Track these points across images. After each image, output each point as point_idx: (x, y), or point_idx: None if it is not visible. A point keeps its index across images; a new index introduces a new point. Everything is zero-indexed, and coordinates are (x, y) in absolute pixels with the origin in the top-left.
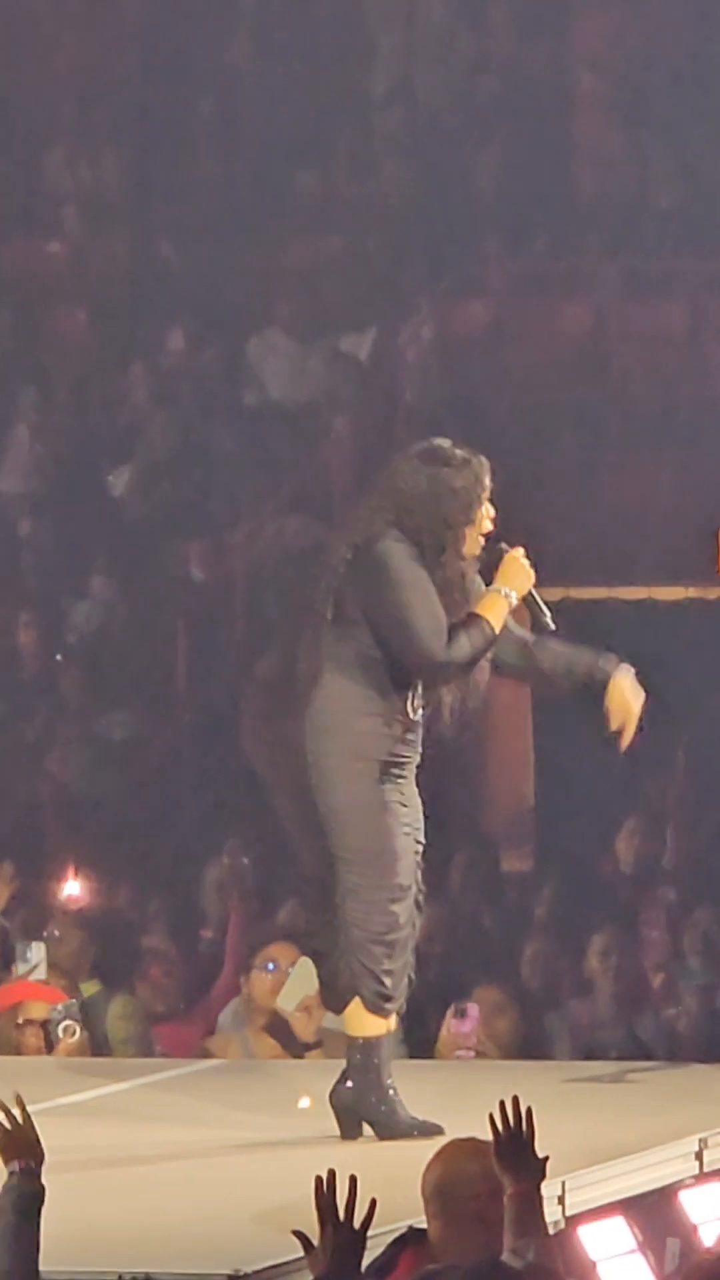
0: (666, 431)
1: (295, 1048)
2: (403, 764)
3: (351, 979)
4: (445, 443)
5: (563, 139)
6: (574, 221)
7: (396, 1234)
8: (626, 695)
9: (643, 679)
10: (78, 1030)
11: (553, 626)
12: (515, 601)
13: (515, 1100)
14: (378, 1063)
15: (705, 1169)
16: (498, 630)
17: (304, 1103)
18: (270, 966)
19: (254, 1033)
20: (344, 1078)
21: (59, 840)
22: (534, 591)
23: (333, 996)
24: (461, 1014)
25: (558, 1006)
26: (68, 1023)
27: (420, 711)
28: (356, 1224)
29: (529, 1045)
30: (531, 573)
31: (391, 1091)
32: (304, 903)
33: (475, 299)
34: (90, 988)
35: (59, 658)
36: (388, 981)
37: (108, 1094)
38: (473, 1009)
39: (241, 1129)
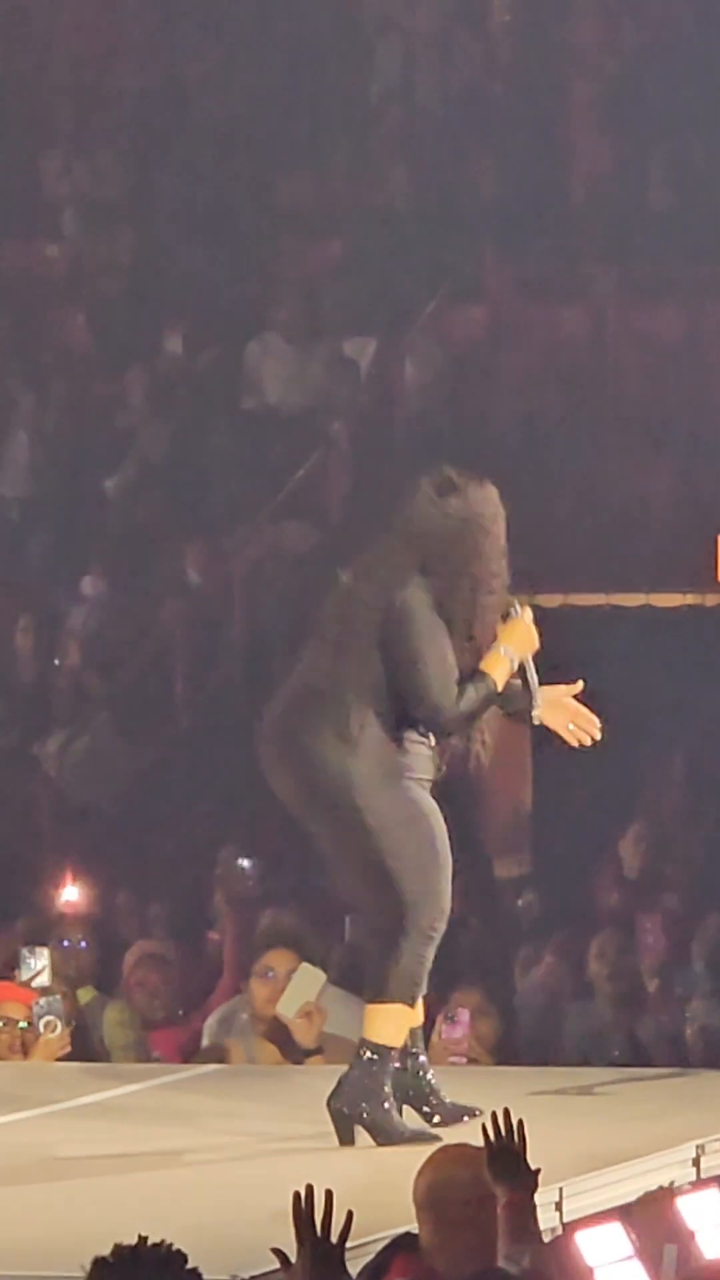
0: (665, 437)
1: (295, 1054)
2: (430, 781)
3: (399, 981)
4: (452, 471)
5: (560, 145)
6: (572, 227)
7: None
8: (559, 696)
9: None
10: (59, 1026)
11: (538, 703)
12: (515, 665)
13: (506, 1112)
14: (384, 1070)
15: (702, 1175)
16: (499, 689)
17: None
18: (269, 974)
19: (254, 1039)
20: (343, 1082)
21: (56, 845)
22: (532, 661)
23: (375, 989)
24: (452, 1019)
25: (553, 1012)
26: (49, 1018)
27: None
28: (334, 1238)
29: (523, 1050)
30: (535, 641)
31: (389, 1098)
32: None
33: (473, 304)
34: (86, 994)
35: (56, 661)
36: (421, 975)
37: (105, 1099)
38: (463, 1014)
39: (239, 1134)
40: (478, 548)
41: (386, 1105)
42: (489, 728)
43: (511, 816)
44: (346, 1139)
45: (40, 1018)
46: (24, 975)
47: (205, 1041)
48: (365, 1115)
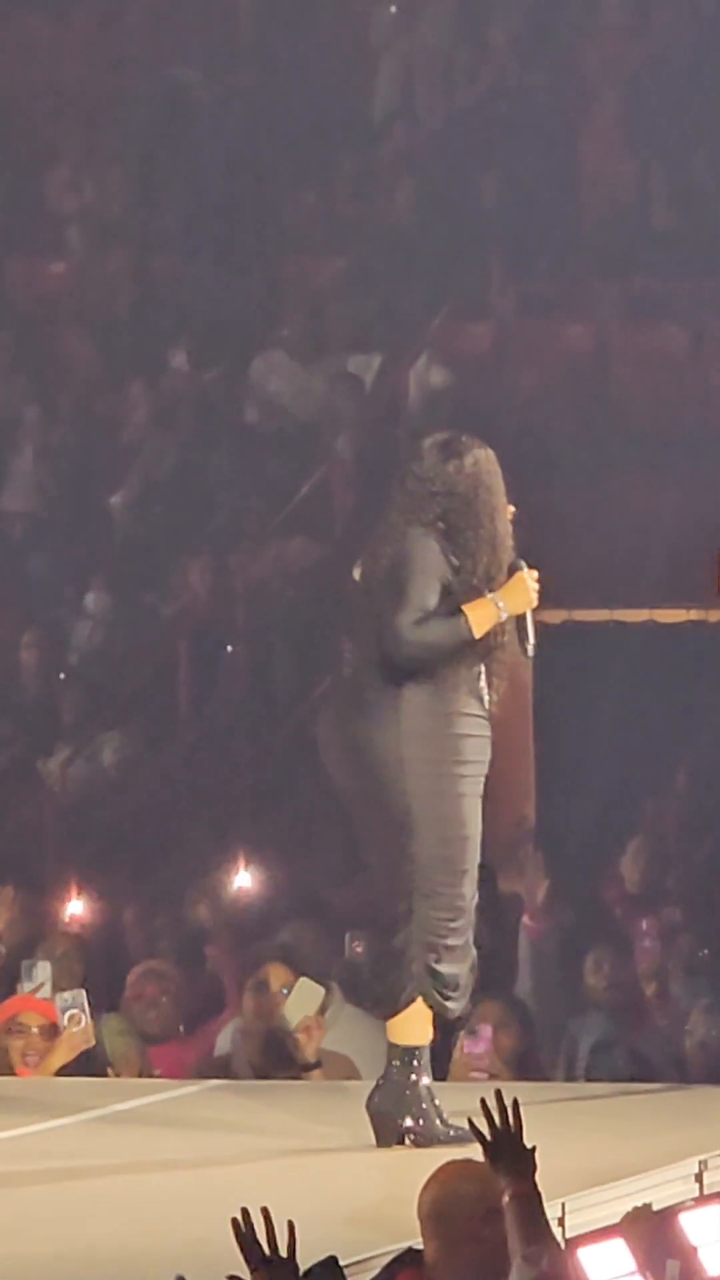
0: (668, 453)
1: (294, 1069)
2: (486, 765)
3: (418, 984)
4: (455, 434)
5: (564, 162)
6: (576, 244)
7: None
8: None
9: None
10: (83, 1019)
11: (530, 654)
12: (505, 616)
13: (498, 1094)
14: (418, 1071)
15: (705, 1191)
16: (475, 635)
17: None
18: (263, 988)
19: (252, 1054)
20: (380, 1085)
21: (60, 859)
22: (529, 615)
23: (389, 1004)
24: (474, 1034)
25: (558, 1027)
26: (73, 1011)
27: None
28: (284, 1253)
29: (529, 1066)
30: (534, 599)
31: (428, 1100)
32: (376, 915)
33: (477, 320)
34: None
35: (61, 676)
36: (450, 979)
37: (108, 1114)
38: (485, 1030)
39: (242, 1148)
40: (490, 504)
41: (425, 1107)
42: (502, 680)
43: (515, 831)
44: (386, 1141)
45: (65, 1011)
46: (27, 988)
47: (218, 1054)
48: (405, 1117)
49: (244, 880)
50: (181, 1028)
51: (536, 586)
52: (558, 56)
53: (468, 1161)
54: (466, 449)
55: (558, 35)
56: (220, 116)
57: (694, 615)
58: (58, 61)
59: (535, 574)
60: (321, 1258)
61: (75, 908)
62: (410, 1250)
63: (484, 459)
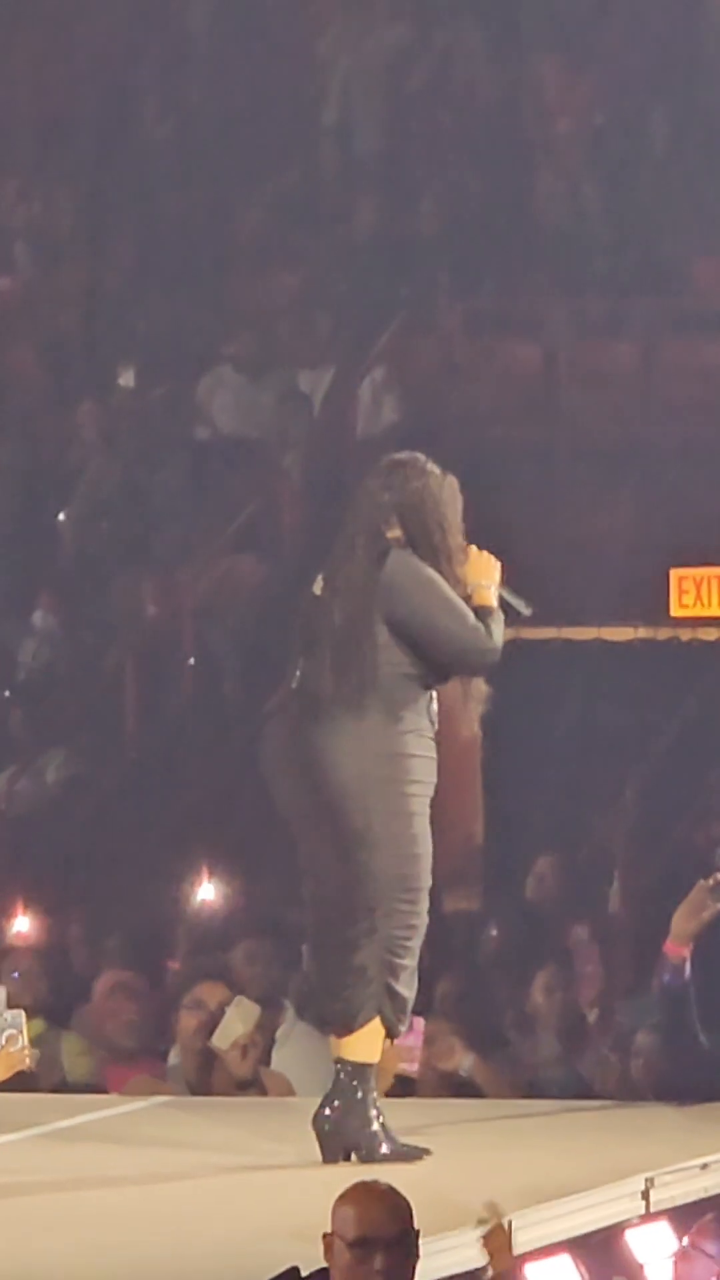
0: (617, 471)
1: (229, 1087)
2: (432, 786)
3: (376, 1003)
4: (414, 455)
5: (515, 179)
6: (525, 261)
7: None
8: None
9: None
10: (20, 1039)
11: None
12: (494, 598)
13: None
14: (367, 1088)
15: (651, 1209)
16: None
17: None
18: (197, 1006)
19: (188, 1072)
20: (327, 1102)
21: (7, 878)
22: (500, 582)
23: (345, 1021)
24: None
25: (503, 1044)
26: (10, 1032)
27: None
28: None
29: (475, 1083)
30: (497, 563)
31: (375, 1117)
32: (318, 936)
33: (426, 337)
34: (35, 1026)
35: (7, 694)
36: (405, 998)
37: (53, 1130)
38: (418, 1023)
39: (186, 1165)
40: (440, 517)
41: (372, 1123)
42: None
43: (462, 849)
44: (331, 1157)
45: (2, 1031)
46: None
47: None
48: (351, 1133)
49: (193, 897)
50: (134, 1045)
51: (489, 556)
52: (508, 75)
53: (375, 1182)
54: (419, 467)
55: (508, 54)
56: (170, 132)
57: (642, 634)
58: (6, 76)
59: (474, 548)
60: (282, 1269)
61: (21, 925)
62: (320, 1270)
63: (435, 476)
